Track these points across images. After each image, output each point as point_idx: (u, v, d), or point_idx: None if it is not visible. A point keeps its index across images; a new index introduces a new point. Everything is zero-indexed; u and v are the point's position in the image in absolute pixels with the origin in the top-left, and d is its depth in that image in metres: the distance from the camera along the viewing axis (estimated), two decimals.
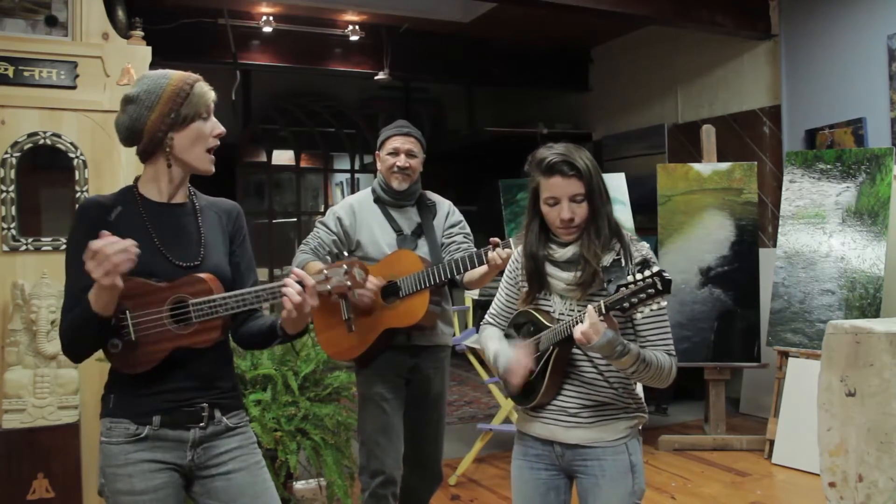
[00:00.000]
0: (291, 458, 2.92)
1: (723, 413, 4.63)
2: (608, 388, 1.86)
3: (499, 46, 6.85)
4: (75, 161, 3.23)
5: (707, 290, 4.66)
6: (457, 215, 2.89)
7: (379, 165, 2.82)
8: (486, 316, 2.09)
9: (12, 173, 3.14)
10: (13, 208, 3.15)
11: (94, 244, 1.52)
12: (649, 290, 1.62)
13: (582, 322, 1.70)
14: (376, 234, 2.76)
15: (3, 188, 3.13)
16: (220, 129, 1.76)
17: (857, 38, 4.71)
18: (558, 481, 1.93)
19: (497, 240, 2.48)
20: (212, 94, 1.75)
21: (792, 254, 4.42)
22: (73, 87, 3.24)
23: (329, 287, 1.65)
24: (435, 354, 2.80)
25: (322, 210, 8.13)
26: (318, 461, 3.02)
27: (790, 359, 4.27)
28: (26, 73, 3.17)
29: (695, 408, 5.36)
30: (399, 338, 2.70)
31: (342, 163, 8.43)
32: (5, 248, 3.13)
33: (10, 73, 3.14)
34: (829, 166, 4.40)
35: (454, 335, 3.31)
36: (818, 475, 3.01)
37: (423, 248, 2.76)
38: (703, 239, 4.69)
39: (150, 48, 3.42)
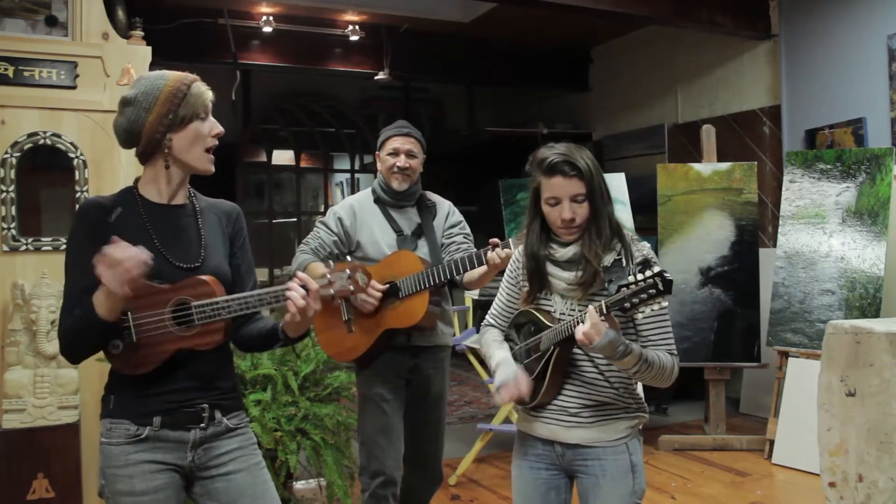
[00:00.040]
0: (291, 458, 2.92)
1: (723, 413, 4.63)
2: (609, 388, 1.86)
3: (499, 46, 6.85)
4: (75, 161, 3.23)
5: (707, 290, 4.66)
6: (457, 216, 2.89)
7: (379, 166, 2.82)
8: (488, 316, 2.09)
9: (12, 173, 3.14)
10: (13, 208, 3.15)
11: (108, 251, 1.52)
12: (650, 291, 1.62)
13: (583, 322, 1.70)
14: (376, 234, 2.76)
15: (3, 188, 3.13)
16: (219, 128, 1.76)
17: (857, 38, 4.71)
18: (559, 481, 1.93)
19: (497, 240, 2.49)
20: (209, 94, 1.74)
21: (792, 254, 4.42)
22: (73, 87, 3.24)
23: (332, 291, 1.65)
24: (435, 355, 2.80)
25: (322, 210, 8.13)
26: (318, 461, 3.02)
27: (790, 359, 4.27)
28: (26, 73, 3.17)
29: (695, 408, 5.36)
30: (399, 338, 2.70)
31: (342, 163, 8.43)
32: (5, 248, 3.13)
33: (10, 73, 3.14)
34: (829, 166, 4.40)
35: (454, 335, 3.31)
36: (818, 475, 3.01)
37: (423, 248, 2.76)
38: (703, 239, 4.69)
39: (150, 48, 3.42)
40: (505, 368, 1.89)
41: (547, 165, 1.81)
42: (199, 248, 1.75)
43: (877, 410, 2.75)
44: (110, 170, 3.28)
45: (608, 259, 1.82)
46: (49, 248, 3.19)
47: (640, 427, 1.94)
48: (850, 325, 2.90)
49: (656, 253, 1.99)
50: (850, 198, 4.28)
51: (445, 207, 2.89)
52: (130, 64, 3.32)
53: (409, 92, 8.19)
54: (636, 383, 1.91)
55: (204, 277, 1.69)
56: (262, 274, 7.35)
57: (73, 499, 2.97)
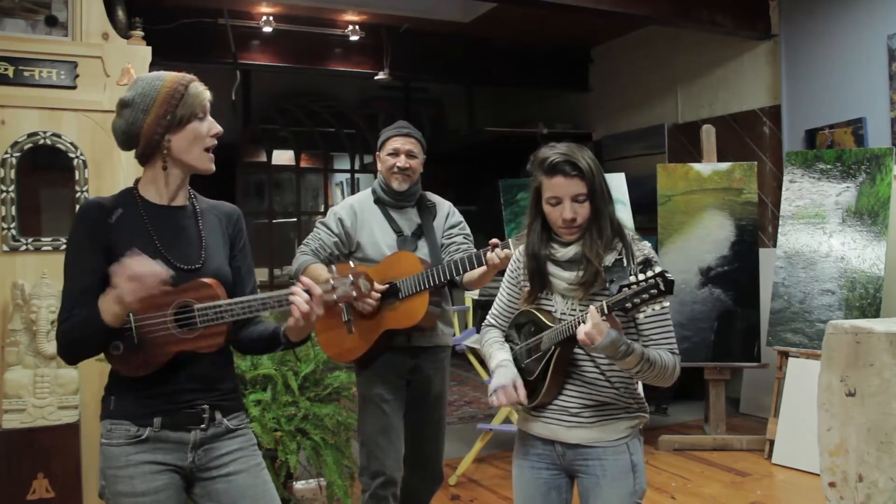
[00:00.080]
0: (291, 458, 2.92)
1: (723, 413, 4.63)
2: (610, 388, 1.86)
3: (499, 46, 6.85)
4: (75, 161, 3.23)
5: (707, 290, 4.66)
6: (457, 216, 2.89)
7: (379, 166, 2.82)
8: (488, 316, 2.08)
9: (12, 173, 3.14)
10: (13, 208, 3.15)
11: (129, 264, 1.51)
12: (652, 291, 1.62)
13: (584, 322, 1.69)
14: (376, 234, 2.76)
15: (3, 188, 3.13)
16: (217, 128, 1.76)
17: (857, 38, 4.71)
18: (559, 481, 1.93)
19: (496, 241, 2.49)
20: (207, 94, 1.74)
21: (792, 254, 4.42)
22: (73, 87, 3.24)
23: (335, 297, 1.66)
24: (435, 355, 2.80)
25: (322, 210, 8.12)
26: (318, 461, 3.02)
27: (790, 359, 4.27)
28: (26, 73, 3.17)
29: (695, 408, 5.36)
30: (399, 339, 2.70)
31: (342, 163, 8.43)
32: (5, 248, 3.13)
33: (10, 73, 3.14)
34: (829, 166, 4.40)
35: (454, 335, 3.31)
36: (818, 475, 3.01)
37: (422, 249, 2.76)
38: (703, 239, 4.69)
39: (150, 48, 3.42)
40: (503, 372, 1.89)
41: (548, 165, 1.81)
42: (200, 250, 1.75)
43: (877, 410, 2.75)
44: (110, 170, 3.28)
45: (609, 259, 1.82)
46: (49, 248, 3.19)
47: (641, 427, 1.94)
48: (850, 325, 2.90)
49: (656, 253, 1.98)
50: (850, 198, 4.29)
51: (445, 208, 2.89)
52: (130, 64, 3.32)
53: (409, 92, 8.19)
54: (637, 383, 1.91)
55: (207, 280, 1.68)
56: (261, 274, 7.35)
57: (73, 499, 2.97)
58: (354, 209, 2.80)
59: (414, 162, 2.76)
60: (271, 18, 5.73)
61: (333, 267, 1.76)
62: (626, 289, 1.65)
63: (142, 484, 1.64)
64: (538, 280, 1.90)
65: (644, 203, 5.42)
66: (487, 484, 3.98)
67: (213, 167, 1.76)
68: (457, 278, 2.61)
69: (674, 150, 6.24)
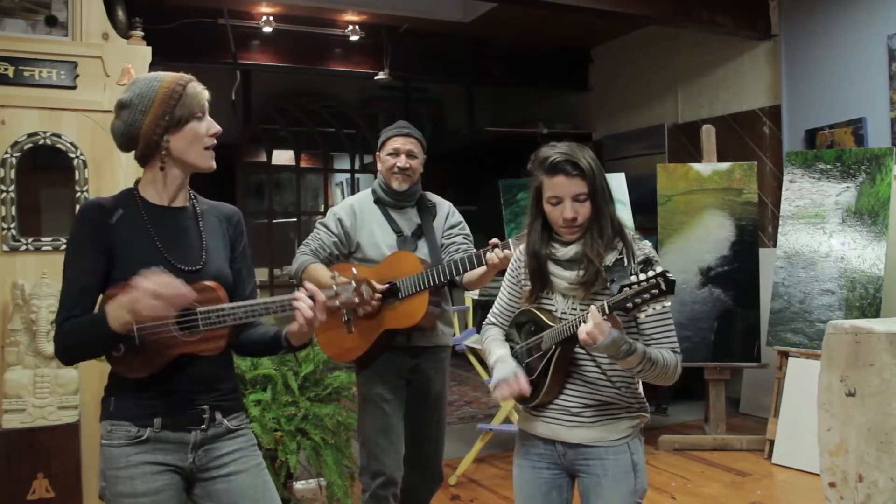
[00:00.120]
0: (291, 458, 2.92)
1: (723, 413, 4.63)
2: (611, 388, 1.86)
3: (499, 46, 6.85)
4: (75, 161, 3.23)
5: (707, 290, 4.66)
6: (457, 216, 2.89)
7: (379, 166, 2.82)
8: (489, 315, 2.08)
9: (12, 173, 3.14)
10: (13, 208, 3.15)
11: (157, 283, 1.51)
12: (653, 291, 1.62)
13: (585, 322, 1.69)
14: (376, 235, 2.76)
15: (3, 188, 3.13)
16: (216, 127, 1.75)
17: (857, 38, 4.71)
18: (560, 480, 1.93)
19: (496, 241, 2.49)
20: (205, 94, 1.74)
21: (792, 254, 4.42)
22: (73, 87, 3.24)
23: (338, 303, 1.67)
24: (435, 355, 2.80)
25: (322, 210, 8.12)
26: (318, 461, 3.02)
27: (790, 359, 4.27)
28: (26, 73, 3.17)
29: (695, 408, 5.36)
30: (399, 339, 2.70)
31: (342, 163, 8.43)
32: (5, 248, 3.13)
33: (10, 73, 3.14)
34: (829, 166, 4.40)
35: (454, 335, 3.31)
36: (818, 475, 3.01)
37: (422, 249, 2.76)
38: (703, 239, 4.69)
39: (150, 48, 3.42)
40: (503, 365, 1.89)
41: (549, 164, 1.81)
42: (201, 251, 1.75)
43: (877, 410, 2.75)
44: (110, 170, 3.28)
45: (610, 258, 1.82)
46: (49, 248, 3.19)
47: (642, 427, 1.94)
48: (850, 325, 2.90)
49: (656, 252, 1.98)
50: (850, 198, 4.29)
51: (445, 208, 2.89)
52: (130, 64, 3.32)
53: (409, 92, 8.19)
54: (638, 382, 1.91)
55: (210, 283, 1.68)
56: (261, 274, 7.35)
57: (73, 499, 2.97)
58: (354, 209, 2.80)
59: (414, 162, 2.76)
60: (271, 18, 5.73)
61: (336, 274, 1.77)
62: (626, 288, 1.65)
63: (142, 484, 1.64)
64: (539, 279, 1.90)
65: (644, 203, 5.42)
66: (487, 484, 3.98)
67: (214, 164, 1.76)
68: (457, 278, 2.61)
69: (674, 150, 6.24)
